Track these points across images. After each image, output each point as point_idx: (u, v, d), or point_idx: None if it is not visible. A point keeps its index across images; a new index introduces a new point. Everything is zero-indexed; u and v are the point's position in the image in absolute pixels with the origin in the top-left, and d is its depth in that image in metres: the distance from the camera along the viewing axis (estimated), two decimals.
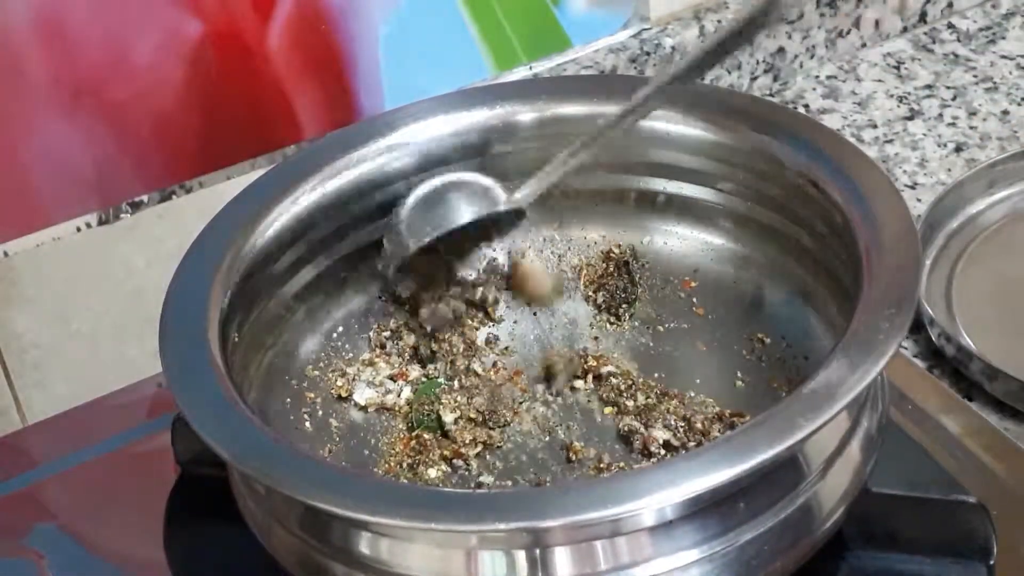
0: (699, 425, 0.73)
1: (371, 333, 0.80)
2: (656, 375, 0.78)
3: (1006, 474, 0.73)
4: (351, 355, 0.79)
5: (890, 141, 1.04)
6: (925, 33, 1.16)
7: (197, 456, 0.75)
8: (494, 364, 0.79)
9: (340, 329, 0.80)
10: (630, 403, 0.76)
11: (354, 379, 0.77)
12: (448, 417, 0.75)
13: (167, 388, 0.65)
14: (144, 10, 0.84)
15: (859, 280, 0.66)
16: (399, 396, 0.77)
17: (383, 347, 0.79)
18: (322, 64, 0.92)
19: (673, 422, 0.73)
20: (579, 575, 0.60)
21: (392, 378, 0.78)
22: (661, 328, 0.80)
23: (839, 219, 0.71)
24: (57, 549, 0.76)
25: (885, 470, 0.67)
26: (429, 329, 0.79)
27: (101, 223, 0.88)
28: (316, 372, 0.78)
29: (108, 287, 0.89)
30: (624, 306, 0.81)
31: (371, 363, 0.79)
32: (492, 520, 0.57)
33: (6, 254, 0.85)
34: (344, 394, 0.77)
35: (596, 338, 0.81)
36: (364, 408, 0.76)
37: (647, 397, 0.76)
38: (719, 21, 1.05)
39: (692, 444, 0.72)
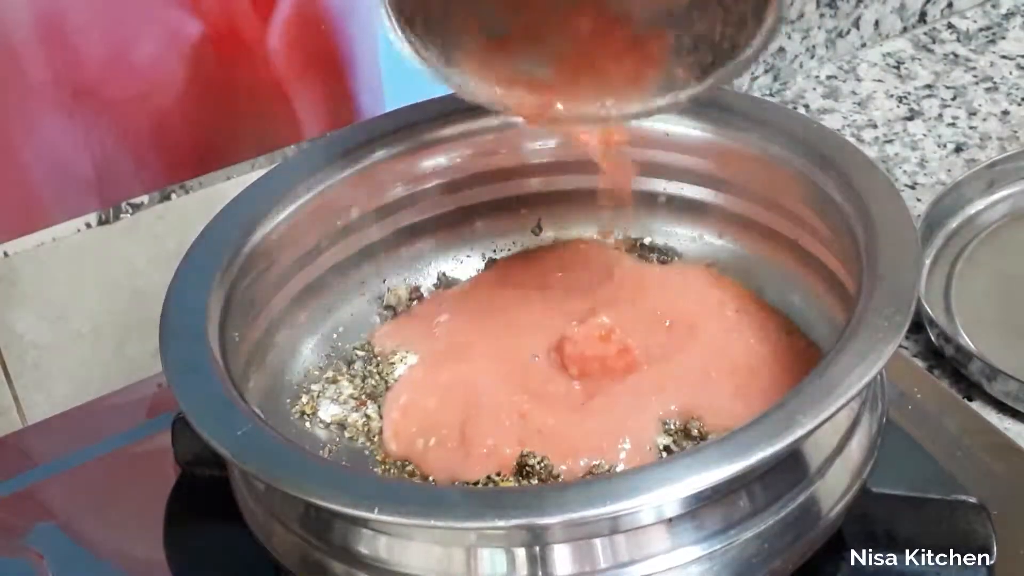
0: None
1: (341, 346, 0.79)
2: None
3: (1006, 474, 0.73)
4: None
5: (890, 141, 1.04)
6: (925, 33, 1.16)
7: (197, 456, 0.75)
8: None
9: (340, 330, 0.80)
10: None
11: (319, 396, 0.76)
12: None
13: (167, 388, 0.65)
14: (144, 10, 0.84)
15: (859, 280, 0.66)
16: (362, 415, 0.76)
17: (351, 364, 0.78)
18: (322, 64, 0.91)
19: None
20: (579, 572, 0.60)
21: (354, 398, 0.76)
22: None
23: (839, 219, 0.70)
24: (57, 549, 0.76)
25: (885, 470, 0.67)
26: None
27: (101, 223, 0.88)
28: (316, 372, 0.78)
29: (108, 287, 0.89)
30: None
31: (334, 380, 0.77)
32: (492, 517, 0.57)
33: (6, 254, 0.85)
34: (309, 411, 0.75)
35: None
36: (328, 426, 0.75)
37: None
38: None
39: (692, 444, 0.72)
